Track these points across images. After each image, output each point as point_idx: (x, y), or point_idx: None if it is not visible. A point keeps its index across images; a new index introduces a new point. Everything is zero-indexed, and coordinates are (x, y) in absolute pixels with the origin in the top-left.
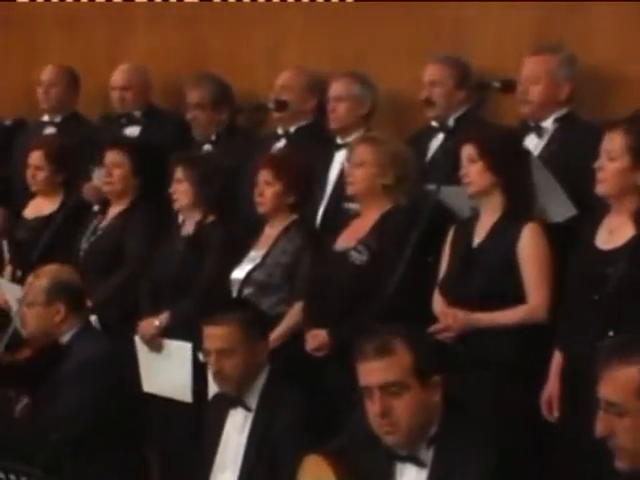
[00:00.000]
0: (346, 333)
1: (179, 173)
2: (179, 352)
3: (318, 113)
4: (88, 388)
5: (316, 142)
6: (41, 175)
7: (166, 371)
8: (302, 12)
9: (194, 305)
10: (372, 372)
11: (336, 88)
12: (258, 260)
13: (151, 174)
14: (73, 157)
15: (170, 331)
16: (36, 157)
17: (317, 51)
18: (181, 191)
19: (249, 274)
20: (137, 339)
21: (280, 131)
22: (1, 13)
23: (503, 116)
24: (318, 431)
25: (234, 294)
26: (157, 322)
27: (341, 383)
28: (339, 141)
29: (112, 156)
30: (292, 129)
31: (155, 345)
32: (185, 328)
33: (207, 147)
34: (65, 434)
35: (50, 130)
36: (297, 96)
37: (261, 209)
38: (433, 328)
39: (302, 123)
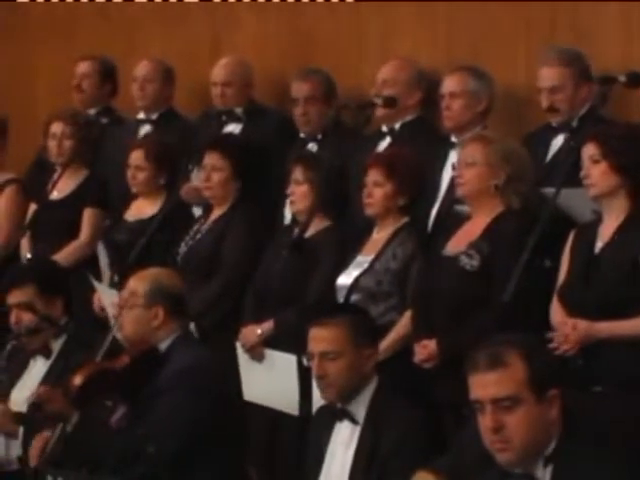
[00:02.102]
0: (456, 343)
1: (298, 174)
2: (283, 364)
3: (423, 108)
4: (186, 398)
5: (422, 139)
6: (142, 176)
7: (270, 382)
8: (415, 2)
9: (299, 314)
10: (484, 385)
11: (450, 84)
12: (366, 265)
13: (253, 176)
14: (175, 157)
15: (273, 341)
16: (136, 157)
17: (430, 43)
18: (300, 193)
19: (356, 280)
20: (239, 346)
21: (384, 128)
22: (100, 8)
23: (629, 113)
24: (428, 447)
25: (340, 301)
26: (259, 331)
27: (449, 397)
28: (454, 139)
29: (212, 159)
30: (397, 126)
31: (256, 354)
32: (290, 338)
33: (311, 145)
34: (163, 447)
35: (146, 128)
36: (401, 90)
37: (369, 211)
38: (550, 336)
39: (407, 119)
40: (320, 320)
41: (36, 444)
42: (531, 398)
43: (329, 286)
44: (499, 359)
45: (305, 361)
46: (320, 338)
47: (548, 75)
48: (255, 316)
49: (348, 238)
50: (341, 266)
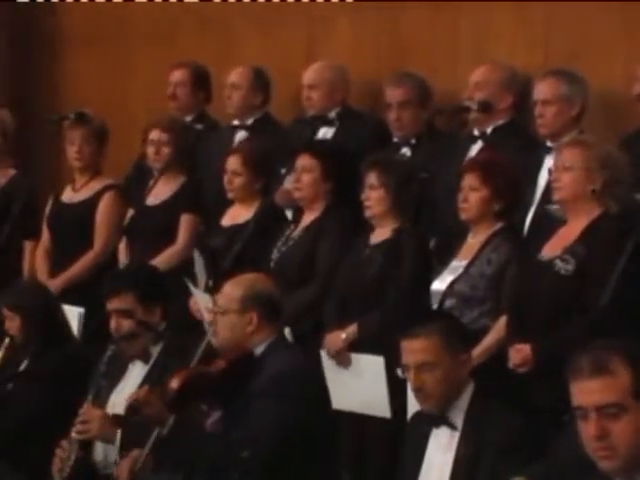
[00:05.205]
0: (551, 348)
1: (372, 179)
2: (371, 366)
3: (516, 111)
4: (281, 403)
5: (514, 143)
6: (238, 181)
7: (358, 387)
8: (512, 5)
9: (384, 317)
10: (588, 392)
11: (543, 90)
12: (461, 270)
13: (344, 179)
14: (271, 162)
15: (358, 344)
16: (233, 162)
17: (527, 47)
18: (375, 198)
19: (451, 285)
20: (323, 354)
21: (476, 132)
22: (195, 14)
23: None
24: (529, 453)
25: (435, 306)
26: (344, 335)
27: (546, 402)
28: (549, 144)
29: (303, 160)
30: (489, 130)
31: (342, 359)
32: (375, 341)
33: (405, 150)
34: (257, 451)
35: (242, 134)
36: (493, 93)
37: (465, 216)
38: None
39: (499, 123)
40: (411, 331)
41: (124, 464)
42: (635, 406)
43: (411, 289)
44: (604, 365)
45: (400, 373)
46: (414, 350)
47: None
48: (338, 321)
49: (441, 243)
50: (428, 270)
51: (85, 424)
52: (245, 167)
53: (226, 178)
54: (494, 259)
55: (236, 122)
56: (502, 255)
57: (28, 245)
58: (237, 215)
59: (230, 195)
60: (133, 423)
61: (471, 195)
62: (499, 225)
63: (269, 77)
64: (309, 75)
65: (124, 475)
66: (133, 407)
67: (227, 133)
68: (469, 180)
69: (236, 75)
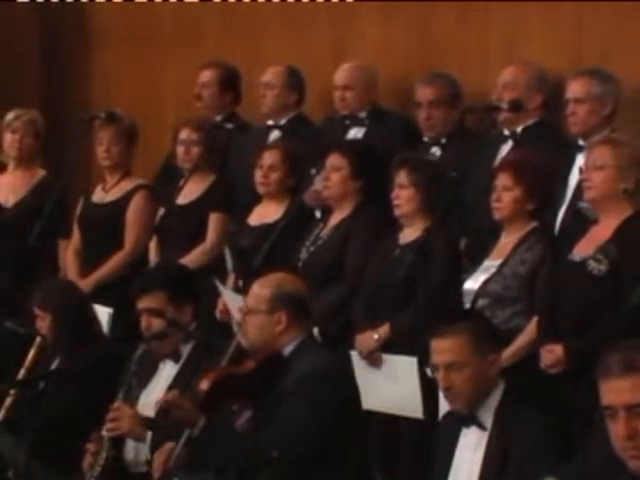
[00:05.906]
0: (584, 348)
1: (402, 177)
2: (404, 367)
3: (546, 111)
4: (310, 403)
5: (545, 142)
6: (275, 176)
7: (390, 387)
8: (542, 5)
9: (416, 316)
10: (617, 391)
11: (575, 89)
12: (493, 270)
13: (374, 178)
14: (305, 163)
15: (390, 345)
16: (272, 157)
17: (558, 46)
18: (404, 197)
19: (484, 285)
20: (353, 354)
21: (506, 132)
22: (224, 13)
23: None
24: (558, 453)
25: (467, 305)
26: (376, 335)
27: (577, 402)
28: (581, 143)
29: (332, 159)
30: (519, 129)
31: (375, 360)
32: (407, 341)
33: (435, 149)
34: (287, 451)
35: (275, 134)
36: (522, 94)
37: (498, 215)
38: None
39: (529, 122)
40: (440, 331)
41: (159, 457)
42: None
43: (442, 288)
44: (633, 365)
45: (429, 373)
46: (443, 349)
47: None
48: (368, 321)
49: (472, 242)
50: (459, 270)
51: (115, 422)
52: (284, 163)
53: (261, 173)
54: (528, 259)
55: (270, 122)
56: (536, 255)
57: (62, 244)
58: (265, 214)
59: (263, 190)
60: (164, 426)
61: (504, 195)
62: (533, 224)
63: (303, 76)
64: (342, 76)
65: (159, 468)
66: (164, 410)
67: (261, 133)
68: (502, 180)
69: (270, 74)
